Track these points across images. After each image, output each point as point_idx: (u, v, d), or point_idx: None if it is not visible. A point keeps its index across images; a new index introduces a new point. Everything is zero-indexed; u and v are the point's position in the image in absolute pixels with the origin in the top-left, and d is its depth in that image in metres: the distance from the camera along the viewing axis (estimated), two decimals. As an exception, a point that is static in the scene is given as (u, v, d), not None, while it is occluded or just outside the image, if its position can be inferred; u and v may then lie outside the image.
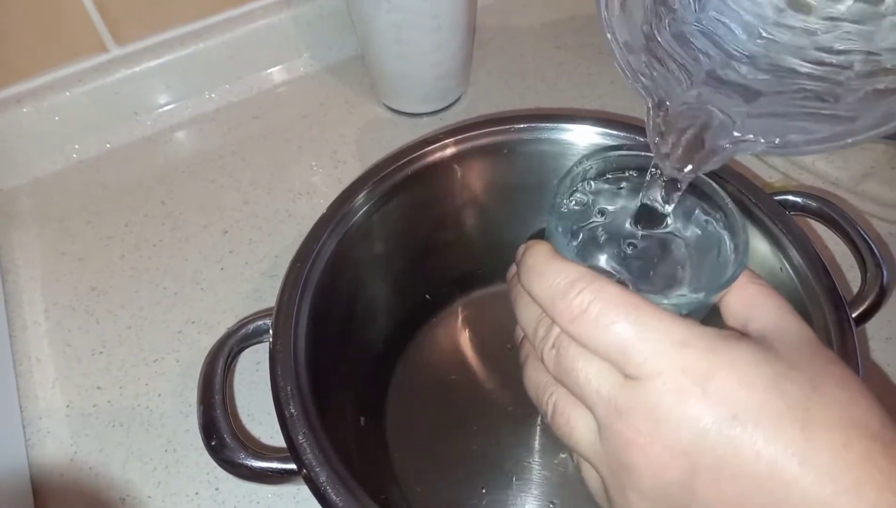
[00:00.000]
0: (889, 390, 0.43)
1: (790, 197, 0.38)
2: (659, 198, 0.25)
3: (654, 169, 0.25)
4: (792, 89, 0.21)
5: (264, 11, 0.61)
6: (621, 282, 0.27)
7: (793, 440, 0.19)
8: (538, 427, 0.42)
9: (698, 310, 0.25)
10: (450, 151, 0.39)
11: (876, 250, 0.35)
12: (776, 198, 0.38)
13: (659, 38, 0.22)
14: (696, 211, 0.27)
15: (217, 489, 0.40)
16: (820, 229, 0.41)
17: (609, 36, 0.22)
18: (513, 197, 0.42)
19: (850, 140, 0.21)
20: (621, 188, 0.28)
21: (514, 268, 0.26)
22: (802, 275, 0.34)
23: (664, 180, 0.24)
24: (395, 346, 0.44)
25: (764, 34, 0.21)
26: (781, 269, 0.36)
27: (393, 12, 0.52)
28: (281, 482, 0.31)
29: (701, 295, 0.24)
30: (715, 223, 0.27)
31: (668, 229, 0.27)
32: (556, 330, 0.23)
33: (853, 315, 0.34)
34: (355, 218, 0.38)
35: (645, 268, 0.27)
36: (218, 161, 0.58)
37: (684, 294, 0.25)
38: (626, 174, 0.28)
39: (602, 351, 0.21)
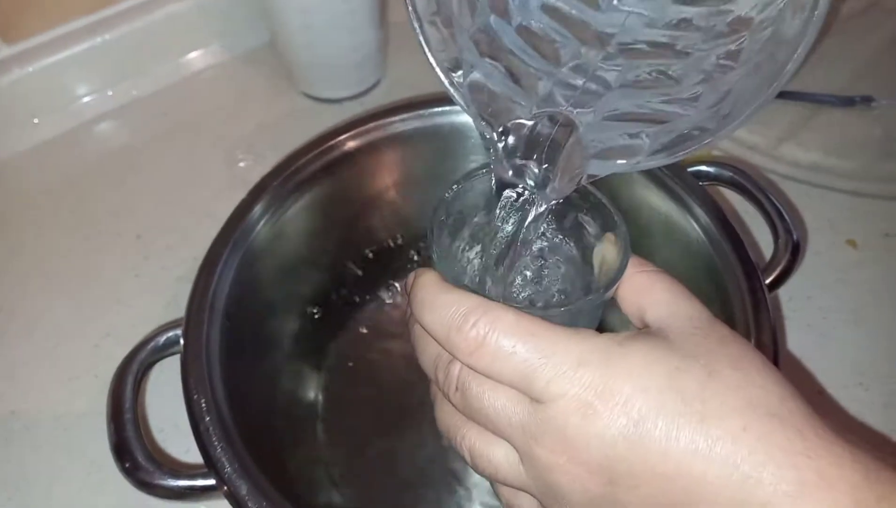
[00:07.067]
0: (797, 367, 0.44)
1: (703, 168, 0.39)
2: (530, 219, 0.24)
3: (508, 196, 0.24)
4: (641, 73, 0.21)
5: (167, -1, 0.58)
6: (514, 302, 0.27)
7: (693, 436, 0.19)
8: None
9: (595, 310, 0.26)
10: (350, 144, 0.38)
11: (787, 216, 0.36)
12: (690, 169, 0.38)
13: (504, 39, 0.21)
14: (570, 214, 0.27)
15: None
16: (735, 197, 0.41)
17: (432, 61, 0.21)
18: (423, 185, 0.42)
19: (694, 146, 0.21)
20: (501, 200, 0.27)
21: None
22: (717, 245, 0.35)
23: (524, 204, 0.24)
24: (321, 344, 0.43)
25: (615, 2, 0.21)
26: (697, 240, 0.36)
27: (299, -3, 0.50)
28: (202, 499, 0.30)
29: (591, 297, 0.25)
30: (592, 222, 0.27)
31: (548, 240, 0.27)
32: (457, 370, 0.23)
33: (767, 282, 0.35)
34: (266, 217, 0.36)
35: (536, 280, 0.28)
36: (128, 162, 0.55)
37: (577, 300, 0.25)
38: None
39: (506, 380, 0.21)
